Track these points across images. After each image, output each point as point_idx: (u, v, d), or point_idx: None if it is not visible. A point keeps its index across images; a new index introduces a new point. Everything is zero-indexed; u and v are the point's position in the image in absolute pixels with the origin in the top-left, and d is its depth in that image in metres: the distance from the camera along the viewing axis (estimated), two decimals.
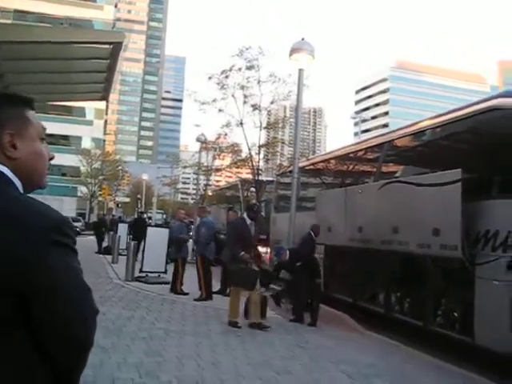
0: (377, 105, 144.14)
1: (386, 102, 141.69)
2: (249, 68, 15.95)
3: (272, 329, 9.14)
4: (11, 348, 1.31)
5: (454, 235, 8.09)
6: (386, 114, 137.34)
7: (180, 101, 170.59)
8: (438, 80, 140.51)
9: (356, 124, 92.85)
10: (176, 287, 12.29)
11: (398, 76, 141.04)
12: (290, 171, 15.76)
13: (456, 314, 8.77)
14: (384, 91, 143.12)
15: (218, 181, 33.14)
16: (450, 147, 9.80)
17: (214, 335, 8.17)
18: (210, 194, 30.55)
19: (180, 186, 54.80)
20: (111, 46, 12.85)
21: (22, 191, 1.45)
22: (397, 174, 11.06)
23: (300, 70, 13.54)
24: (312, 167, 15.78)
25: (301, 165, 16.37)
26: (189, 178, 67.59)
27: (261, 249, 18.86)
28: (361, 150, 12.89)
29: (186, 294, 12.05)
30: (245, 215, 9.68)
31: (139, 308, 10.04)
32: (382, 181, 10.82)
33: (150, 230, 15.40)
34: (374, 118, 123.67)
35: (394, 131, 11.85)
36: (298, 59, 13.43)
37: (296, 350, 7.83)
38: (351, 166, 13.37)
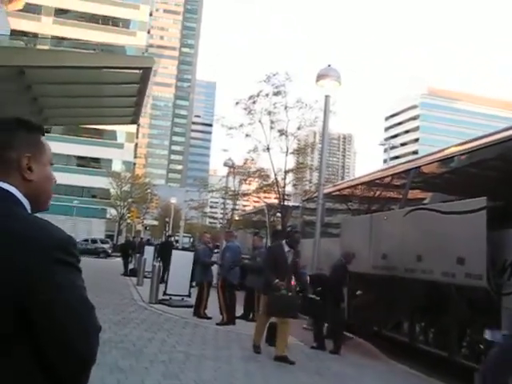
0: (407, 131, 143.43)
1: (416, 129, 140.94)
2: (276, 94, 16.09)
3: (293, 355, 9.06)
4: (13, 363, 1.35)
5: (478, 264, 7.96)
6: (417, 140, 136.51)
7: (210, 125, 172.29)
8: (470, 107, 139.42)
9: (385, 151, 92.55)
10: (199, 311, 12.29)
11: (429, 103, 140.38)
12: (316, 197, 15.75)
13: (482, 346, 8.57)
14: (414, 118, 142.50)
15: (244, 205, 33.19)
16: (475, 174, 9.70)
17: (235, 360, 8.13)
18: (237, 218, 30.63)
19: (208, 210, 55.06)
20: (141, 71, 13.13)
21: (29, 211, 1.51)
22: (423, 202, 10.97)
23: (326, 97, 13.63)
24: (338, 193, 15.74)
25: (326, 191, 16.38)
26: (217, 203, 67.95)
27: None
28: (387, 177, 12.82)
29: (210, 318, 12.03)
30: (283, 242, 9.35)
31: (161, 330, 10.06)
32: (407, 208, 10.73)
33: (175, 253, 15.49)
34: (403, 144, 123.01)
35: (419, 158, 11.80)
36: (324, 85, 13.53)
37: (316, 377, 7.75)
38: (377, 193, 13.30)
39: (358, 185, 14.55)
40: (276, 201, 17.61)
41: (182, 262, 14.56)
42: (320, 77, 13.55)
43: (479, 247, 7.92)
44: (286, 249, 9.03)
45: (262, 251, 13.80)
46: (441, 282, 9.19)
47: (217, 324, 11.38)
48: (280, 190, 16.68)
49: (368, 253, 11.85)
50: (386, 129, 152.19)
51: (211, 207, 72.97)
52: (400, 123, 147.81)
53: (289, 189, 26.81)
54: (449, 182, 10.65)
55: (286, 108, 15.96)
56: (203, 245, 13.50)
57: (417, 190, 11.70)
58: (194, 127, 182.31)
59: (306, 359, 9.08)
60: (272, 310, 8.86)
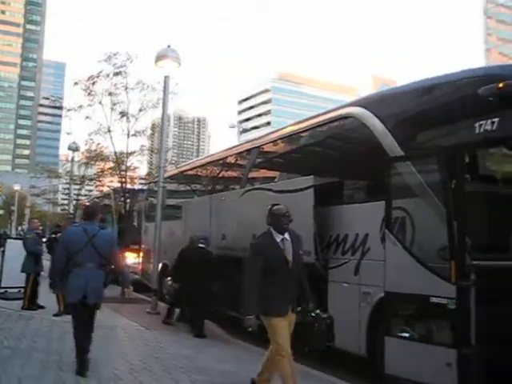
0: (259, 115, 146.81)
1: (267, 113, 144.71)
2: (116, 74, 15.53)
3: (127, 339, 8.89)
4: None
5: (307, 241, 8.21)
6: (268, 124, 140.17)
7: (59, 108, 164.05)
8: (316, 92, 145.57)
9: (241, 133, 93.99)
10: (25, 303, 11.62)
11: (280, 87, 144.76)
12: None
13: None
14: (266, 102, 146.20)
15: (90, 191, 32.05)
16: (306, 153, 9.99)
17: (68, 352, 7.74)
18: (84, 203, 29.45)
19: (60, 196, 52.48)
20: None
21: None
22: (263, 181, 11.14)
23: (166, 77, 13.42)
24: (181, 175, 15.61)
25: (170, 173, 16.24)
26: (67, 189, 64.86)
27: (133, 258, 18.53)
28: (228, 157, 12.87)
29: (42, 307, 11.44)
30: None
31: None
32: (243, 188, 10.88)
33: (9, 242, 14.51)
34: (255, 128, 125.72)
35: (258, 138, 11.96)
36: (163, 66, 13.32)
37: (150, 361, 7.59)
38: (219, 173, 13.32)
39: (200, 166, 14.51)
40: (125, 185, 17.00)
41: (16, 252, 13.64)
42: (159, 57, 13.32)
43: (308, 224, 8.19)
44: (278, 238, 5.78)
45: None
46: None
47: (54, 315, 10.81)
48: (122, 173, 16.17)
49: (209, 234, 11.86)
50: (240, 112, 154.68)
51: (63, 194, 69.76)
52: (252, 107, 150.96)
53: (143, 172, 26.31)
54: (284, 161, 10.89)
55: (126, 89, 15.46)
56: (33, 232, 12.71)
57: (257, 170, 11.83)
58: (41, 110, 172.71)
59: (144, 343, 8.95)
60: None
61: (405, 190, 6.68)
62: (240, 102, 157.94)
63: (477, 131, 5.95)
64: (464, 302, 5.65)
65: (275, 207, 5.83)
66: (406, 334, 6.33)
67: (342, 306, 7.86)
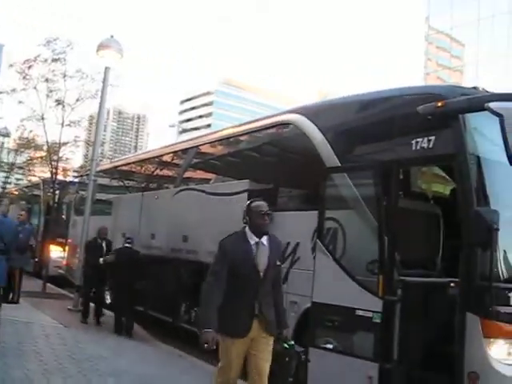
0: (200, 117, 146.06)
1: (209, 115, 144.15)
2: (55, 60, 14.97)
3: (43, 337, 8.53)
4: None
5: None
6: (209, 126, 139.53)
7: None
8: (260, 99, 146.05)
9: (181, 133, 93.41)
10: None
11: (224, 91, 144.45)
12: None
13: None
14: (208, 104, 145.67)
15: (18, 179, 30.85)
16: (244, 158, 9.85)
17: None
18: (15, 192, 28.32)
19: None
20: None
21: None
22: (198, 182, 10.95)
23: (106, 68, 13.05)
24: (114, 170, 15.19)
25: (103, 167, 15.82)
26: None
27: (59, 252, 17.92)
28: (164, 155, 12.60)
29: None
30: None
31: None
32: (177, 188, 10.68)
33: None
34: (195, 129, 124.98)
35: (196, 138, 11.80)
36: (104, 56, 12.96)
37: (66, 362, 7.26)
38: (154, 171, 13.04)
39: (134, 162, 14.17)
40: (55, 176, 16.31)
41: None
42: (101, 47, 12.96)
43: (239, 228, 8.05)
44: (252, 241, 4.73)
45: (26, 227, 12.90)
46: (205, 262, 9.22)
47: None
48: (54, 163, 15.56)
49: (138, 232, 11.58)
50: (181, 112, 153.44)
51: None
52: (194, 108, 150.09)
53: (78, 163, 25.45)
54: (221, 163, 10.74)
55: (64, 77, 14.90)
56: None
57: (193, 170, 11.63)
58: None
59: (61, 342, 8.58)
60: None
61: (339, 201, 6.67)
62: (182, 102, 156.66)
63: (413, 148, 5.98)
64: (389, 317, 5.67)
65: (254, 203, 4.77)
66: (330, 346, 6.29)
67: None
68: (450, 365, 5.22)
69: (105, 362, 7.52)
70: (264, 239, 4.68)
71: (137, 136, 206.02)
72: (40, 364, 6.87)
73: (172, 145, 12.97)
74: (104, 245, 11.33)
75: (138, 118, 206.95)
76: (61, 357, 7.46)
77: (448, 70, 52.50)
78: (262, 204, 4.74)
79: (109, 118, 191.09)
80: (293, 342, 5.18)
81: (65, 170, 19.22)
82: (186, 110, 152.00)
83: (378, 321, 5.70)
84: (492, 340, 5.04)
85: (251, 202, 4.82)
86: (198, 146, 11.01)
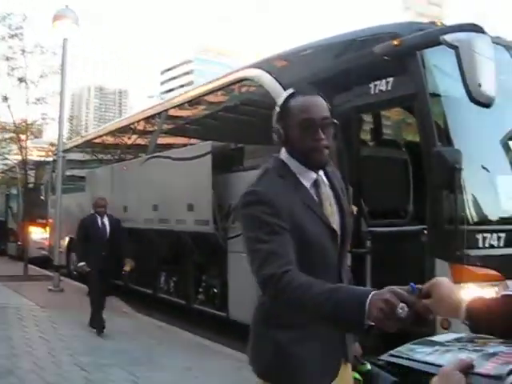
0: (182, 86, 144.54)
1: (190, 84, 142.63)
2: (12, 36, 14.42)
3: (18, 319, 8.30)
4: None
5: (205, 210, 7.88)
6: None
7: None
8: (241, 63, 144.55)
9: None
10: None
11: (202, 58, 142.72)
12: (67, 150, 14.72)
13: (215, 290, 8.59)
14: (188, 73, 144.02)
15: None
16: (209, 118, 9.52)
17: None
18: None
19: None
20: None
21: None
22: (168, 148, 10.59)
23: (64, 40, 12.59)
24: (86, 145, 14.81)
25: (75, 143, 15.48)
26: None
27: (40, 233, 17.65)
28: (133, 124, 12.17)
29: None
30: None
31: None
32: (144, 156, 10.36)
33: None
34: None
35: (162, 102, 11.42)
36: (60, 27, 12.51)
37: (37, 343, 7.04)
38: (125, 141, 12.68)
39: (105, 134, 13.75)
40: (25, 156, 15.86)
41: None
42: (56, 18, 12.49)
43: (206, 193, 7.81)
44: (308, 181, 2.16)
45: None
46: (176, 231, 8.99)
47: None
48: (22, 143, 15.13)
49: (110, 205, 11.26)
50: (162, 83, 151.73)
51: None
52: (175, 77, 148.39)
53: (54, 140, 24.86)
54: (188, 126, 10.37)
55: (23, 53, 14.36)
56: None
57: (159, 137, 11.21)
58: None
59: (34, 323, 8.37)
60: None
61: None
62: (162, 73, 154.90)
63: (372, 92, 5.69)
64: (359, 270, 5.44)
65: (298, 99, 2.09)
66: None
67: (242, 276, 7.53)
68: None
69: (79, 342, 7.31)
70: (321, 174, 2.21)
71: (120, 110, 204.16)
72: (7, 348, 6.65)
73: (136, 114, 12.53)
74: (107, 223, 8.39)
75: (120, 92, 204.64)
76: (32, 339, 7.25)
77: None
78: (313, 101, 2.09)
79: (90, 96, 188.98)
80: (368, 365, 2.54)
81: (48, 150, 18.86)
82: (167, 81, 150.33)
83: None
84: (463, 285, 4.81)
85: (292, 96, 2.10)
86: (160, 112, 10.62)
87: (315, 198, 2.12)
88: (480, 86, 4.49)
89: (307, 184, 2.12)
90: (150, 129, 11.22)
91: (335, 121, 2.09)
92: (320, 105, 2.10)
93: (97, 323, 7.94)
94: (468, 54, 4.73)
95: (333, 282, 1.95)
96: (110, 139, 13.27)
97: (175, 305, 9.68)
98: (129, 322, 9.06)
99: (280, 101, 2.11)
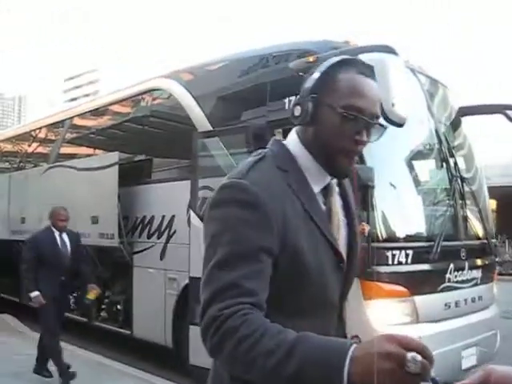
0: (86, 95, 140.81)
1: (96, 93, 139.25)
2: None
3: None
4: None
5: (111, 222, 7.57)
6: None
7: None
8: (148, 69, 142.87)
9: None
10: None
11: (109, 67, 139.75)
12: None
13: (119, 307, 8.25)
14: (93, 82, 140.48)
15: None
16: (116, 128, 9.16)
17: None
18: None
19: None
20: None
21: None
22: (74, 157, 10.10)
23: None
24: None
25: None
26: None
27: None
28: (35, 130, 11.55)
29: None
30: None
31: None
32: (46, 165, 9.86)
33: None
34: None
35: (70, 109, 10.90)
36: None
37: None
38: (19, 150, 12.03)
39: (1, 141, 12.98)
40: None
41: None
42: None
43: (111, 205, 7.51)
44: (317, 186, 1.57)
45: None
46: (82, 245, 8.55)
47: None
48: None
49: (7, 217, 10.64)
50: (66, 91, 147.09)
51: None
52: (79, 86, 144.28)
53: None
54: (94, 136, 9.94)
55: None
56: None
57: (63, 146, 10.67)
58: None
59: None
60: None
61: (213, 168, 6.25)
62: (66, 81, 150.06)
63: (286, 107, 5.66)
64: None
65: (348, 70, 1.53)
66: None
67: (148, 293, 7.30)
68: None
69: None
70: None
71: (19, 117, 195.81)
72: None
73: (38, 120, 11.91)
74: (67, 240, 6.50)
75: (20, 98, 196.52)
76: None
77: None
78: (371, 88, 1.51)
79: None
80: None
81: None
82: (70, 89, 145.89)
83: None
84: (372, 301, 4.85)
85: (344, 65, 1.56)
86: (64, 120, 10.16)
87: (323, 208, 1.54)
88: (393, 105, 4.54)
89: (316, 188, 1.53)
90: (53, 137, 10.70)
91: (384, 125, 1.55)
92: (376, 96, 1.51)
93: (61, 369, 6.08)
94: (381, 74, 4.80)
95: (331, 327, 1.58)
96: (8, 146, 12.54)
97: (76, 322, 9.21)
98: (24, 342, 8.52)
99: (325, 65, 1.57)
